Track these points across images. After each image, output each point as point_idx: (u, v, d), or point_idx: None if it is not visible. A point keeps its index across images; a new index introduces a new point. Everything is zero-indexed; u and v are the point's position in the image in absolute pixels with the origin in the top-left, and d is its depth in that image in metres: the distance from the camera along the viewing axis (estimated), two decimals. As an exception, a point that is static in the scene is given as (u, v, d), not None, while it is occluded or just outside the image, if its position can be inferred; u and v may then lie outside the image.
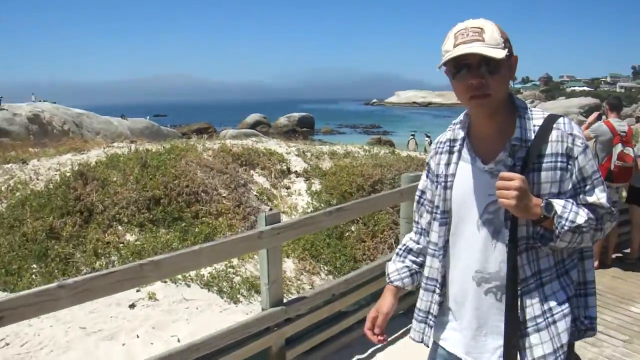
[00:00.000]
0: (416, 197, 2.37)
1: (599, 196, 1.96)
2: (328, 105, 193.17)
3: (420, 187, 2.36)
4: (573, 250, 2.05)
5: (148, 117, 44.31)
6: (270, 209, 8.41)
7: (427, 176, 2.30)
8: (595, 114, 7.65)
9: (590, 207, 1.96)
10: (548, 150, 1.95)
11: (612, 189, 7.31)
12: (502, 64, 1.88)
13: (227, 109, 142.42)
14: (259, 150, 9.81)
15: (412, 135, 31.36)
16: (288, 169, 9.58)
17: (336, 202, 8.40)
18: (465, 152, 2.11)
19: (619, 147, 7.17)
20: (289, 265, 7.22)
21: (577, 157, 1.95)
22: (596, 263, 7.45)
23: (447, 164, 2.15)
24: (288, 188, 9.17)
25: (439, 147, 2.23)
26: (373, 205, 5.63)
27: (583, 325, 2.09)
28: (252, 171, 9.25)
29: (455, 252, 2.13)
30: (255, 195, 8.71)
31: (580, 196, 1.97)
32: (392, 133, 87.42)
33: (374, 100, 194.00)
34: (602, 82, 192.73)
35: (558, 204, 1.90)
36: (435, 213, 2.19)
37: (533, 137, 1.98)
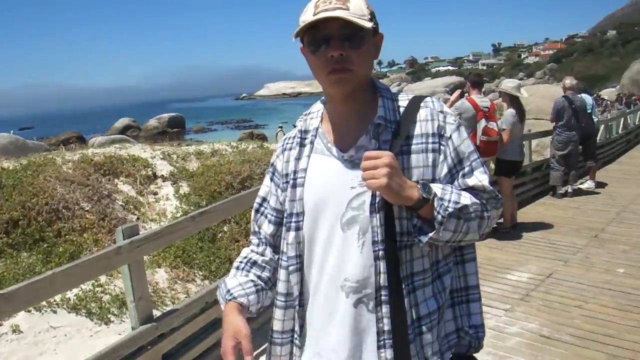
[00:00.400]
0: (255, 205, 2.01)
1: (480, 178, 1.72)
2: (197, 103, 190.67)
3: (261, 193, 2.00)
4: (450, 251, 1.79)
5: (12, 131, 41.74)
6: (138, 218, 8.06)
7: (271, 180, 1.96)
8: (457, 92, 7.82)
9: (472, 191, 1.71)
10: (417, 131, 1.71)
11: None
12: (366, 38, 1.67)
13: (97, 116, 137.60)
14: (122, 157, 9.33)
15: (280, 127, 30.64)
16: (154, 174, 9.18)
17: (205, 203, 8.16)
18: (319, 143, 1.81)
19: (482, 123, 7.37)
20: (161, 276, 6.92)
21: (450, 136, 1.72)
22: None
23: (298, 159, 1.84)
24: (155, 194, 8.80)
25: (287, 144, 1.93)
26: (240, 203, 5.37)
27: (468, 335, 1.83)
28: (116, 180, 8.81)
29: (317, 260, 1.78)
30: (121, 205, 8.29)
31: (459, 180, 1.72)
32: (264, 126, 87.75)
33: (244, 95, 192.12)
34: (465, 61, 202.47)
35: (436, 186, 1.63)
36: (286, 219, 1.85)
37: (399, 118, 1.74)
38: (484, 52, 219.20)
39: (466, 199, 1.65)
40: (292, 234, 1.82)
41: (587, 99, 11.17)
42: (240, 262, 1.97)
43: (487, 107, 7.47)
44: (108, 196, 8.24)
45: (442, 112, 1.76)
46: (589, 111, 10.93)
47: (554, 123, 10.46)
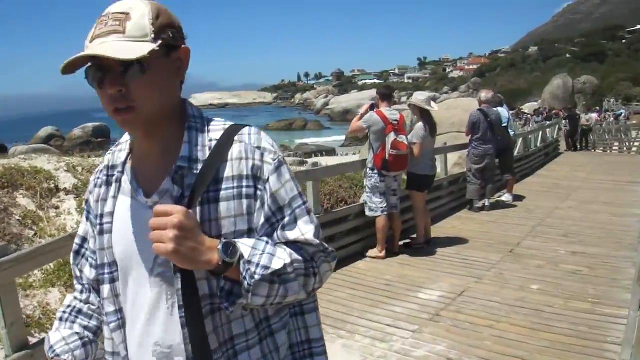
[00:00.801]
0: (75, 247, 1.71)
1: (304, 230, 1.44)
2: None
3: (80, 232, 1.70)
4: (284, 306, 1.52)
5: None
6: (35, 234, 7.51)
7: (87, 219, 1.66)
8: (367, 105, 7.61)
9: (295, 245, 1.43)
10: (228, 172, 1.43)
11: (390, 178, 7.36)
12: (151, 63, 1.33)
13: (20, 123, 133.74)
14: (22, 169, 8.75)
15: None
16: (56, 186, 8.63)
17: None
18: (125, 182, 1.52)
19: (392, 136, 7.18)
20: (54, 296, 6.40)
21: (267, 179, 1.44)
22: (383, 252, 7.43)
23: (104, 200, 1.56)
24: (57, 208, 8.26)
25: (97, 178, 1.64)
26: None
27: None
28: (15, 193, 8.25)
29: (129, 319, 1.52)
30: (19, 220, 7.73)
31: (279, 232, 1.44)
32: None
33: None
34: (392, 74, 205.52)
35: (245, 244, 1.35)
36: (98, 270, 1.59)
37: (207, 155, 1.45)
38: (410, 65, 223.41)
39: (282, 259, 1.37)
40: (107, 287, 1.56)
41: (503, 112, 11.19)
42: (64, 311, 1.70)
43: (396, 120, 7.29)
44: (4, 210, 7.67)
45: (259, 148, 1.47)
46: (504, 124, 10.94)
47: (469, 136, 10.40)
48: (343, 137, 68.11)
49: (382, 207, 7.44)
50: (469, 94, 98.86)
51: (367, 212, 7.57)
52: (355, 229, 7.79)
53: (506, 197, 11.41)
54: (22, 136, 79.89)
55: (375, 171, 7.36)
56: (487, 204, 10.59)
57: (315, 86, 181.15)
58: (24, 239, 7.24)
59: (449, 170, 11.35)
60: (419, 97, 8.05)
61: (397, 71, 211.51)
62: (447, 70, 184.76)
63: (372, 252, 7.60)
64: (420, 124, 7.83)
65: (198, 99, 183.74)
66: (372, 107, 7.54)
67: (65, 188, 8.68)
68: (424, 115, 7.85)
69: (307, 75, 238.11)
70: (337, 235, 7.42)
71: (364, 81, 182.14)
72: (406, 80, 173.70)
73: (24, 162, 9.53)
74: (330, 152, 56.55)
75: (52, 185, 8.65)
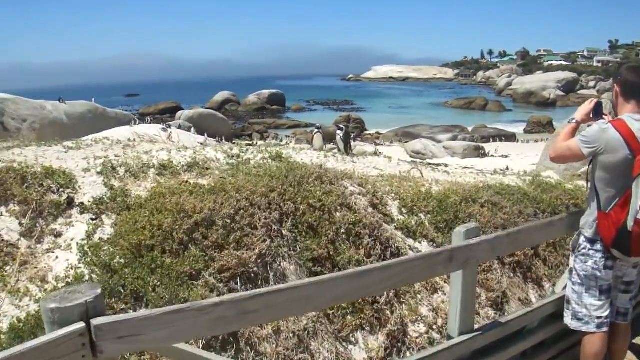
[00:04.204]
0: None
1: None
2: (303, 81, 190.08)
3: None
4: None
5: (93, 99, 40.15)
6: None
7: None
8: (590, 104, 3.98)
9: None
10: None
11: (628, 265, 3.87)
12: None
13: (198, 87, 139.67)
14: (24, 172, 5.85)
15: (318, 128, 21.97)
16: (69, 199, 5.62)
17: (123, 261, 4.80)
18: None
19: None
20: None
21: None
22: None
23: None
24: (58, 235, 5.30)
25: None
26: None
27: None
28: (2, 208, 5.45)
29: None
30: (-14, 253, 4.94)
31: None
32: (365, 109, 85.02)
33: (350, 76, 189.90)
34: (580, 57, 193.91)
35: None
36: None
37: None
38: (599, 48, 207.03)
39: None
40: None
41: None
42: None
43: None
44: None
45: None
46: None
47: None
48: (525, 121, 63.31)
49: (598, 317, 3.88)
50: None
51: (569, 320, 4.02)
52: (540, 347, 4.32)
53: None
54: (200, 98, 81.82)
55: (598, 246, 3.81)
56: None
57: (498, 64, 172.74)
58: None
59: None
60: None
61: (585, 53, 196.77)
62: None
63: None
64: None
65: (378, 72, 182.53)
66: (597, 110, 3.96)
67: (82, 202, 5.70)
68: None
69: (490, 52, 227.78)
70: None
71: (549, 62, 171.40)
72: (595, 64, 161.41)
73: (39, 159, 6.61)
74: (510, 137, 52.32)
75: (64, 197, 5.72)
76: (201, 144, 32.39)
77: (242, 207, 5.40)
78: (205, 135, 33.68)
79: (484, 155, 38.62)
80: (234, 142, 51.01)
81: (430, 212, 6.67)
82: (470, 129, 56.29)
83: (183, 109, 59.46)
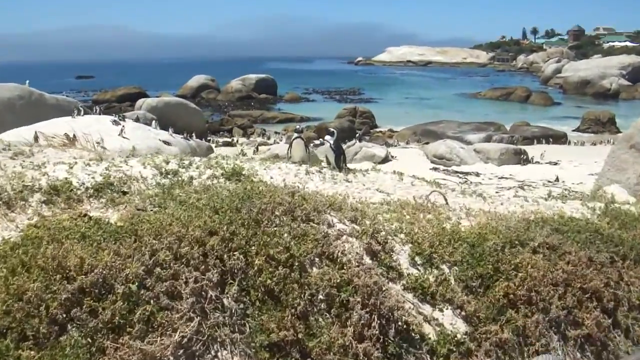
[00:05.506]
0: None
1: None
2: (300, 64, 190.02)
3: None
4: None
5: (27, 81, 39.07)
6: None
7: None
8: None
9: None
10: None
11: None
12: None
13: (169, 70, 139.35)
14: None
15: (299, 133, 16.05)
16: None
17: None
18: None
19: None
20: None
21: None
22: None
23: None
24: None
25: None
26: None
27: None
28: None
29: None
30: None
31: None
32: (376, 100, 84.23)
33: (360, 59, 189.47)
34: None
35: None
36: None
37: None
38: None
39: None
40: None
41: None
42: None
43: None
44: None
45: None
46: None
47: None
48: (578, 118, 62.59)
49: None
50: None
51: None
52: None
53: None
54: (168, 83, 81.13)
55: None
56: None
57: (544, 46, 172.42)
58: None
59: None
60: None
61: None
62: None
63: None
64: None
65: (393, 54, 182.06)
66: None
67: None
68: None
69: (534, 31, 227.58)
70: None
71: (611, 43, 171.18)
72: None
73: None
74: (560, 138, 51.52)
75: None
76: (165, 142, 31.21)
77: (159, 262, 4.30)
78: (170, 130, 32.75)
79: (527, 161, 37.65)
80: (208, 139, 50.00)
81: (457, 262, 5.73)
82: (508, 127, 55.48)
83: (148, 96, 58.70)
